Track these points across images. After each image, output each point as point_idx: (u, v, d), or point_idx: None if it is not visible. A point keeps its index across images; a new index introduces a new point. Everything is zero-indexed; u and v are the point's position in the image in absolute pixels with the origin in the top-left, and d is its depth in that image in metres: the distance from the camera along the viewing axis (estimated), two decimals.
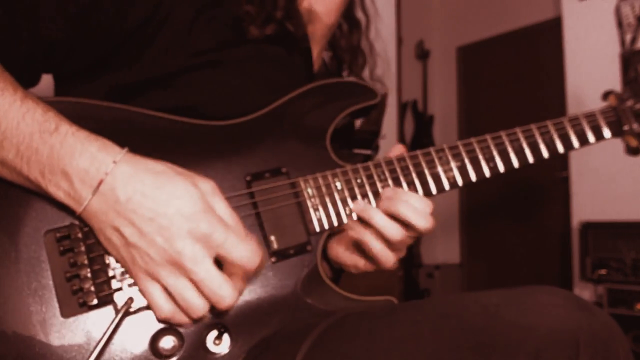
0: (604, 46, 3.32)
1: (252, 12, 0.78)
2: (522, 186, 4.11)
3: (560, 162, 3.69)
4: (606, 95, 0.94)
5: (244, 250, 0.58)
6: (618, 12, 3.27)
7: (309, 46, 0.91)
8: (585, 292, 3.22)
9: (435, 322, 0.62)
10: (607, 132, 0.88)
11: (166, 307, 0.60)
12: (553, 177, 3.90)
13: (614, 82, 3.23)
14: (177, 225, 0.57)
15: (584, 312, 0.59)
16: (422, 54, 4.83)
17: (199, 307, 0.59)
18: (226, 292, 0.59)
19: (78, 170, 0.58)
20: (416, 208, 0.73)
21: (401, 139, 4.25)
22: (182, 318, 0.61)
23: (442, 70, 5.00)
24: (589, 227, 3.19)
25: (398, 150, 0.82)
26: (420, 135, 4.74)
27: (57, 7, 0.67)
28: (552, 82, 3.92)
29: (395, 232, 0.72)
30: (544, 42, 4.16)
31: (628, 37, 3.23)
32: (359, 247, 0.79)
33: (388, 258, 0.75)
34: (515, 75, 4.42)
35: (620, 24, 3.26)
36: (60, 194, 0.59)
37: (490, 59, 4.67)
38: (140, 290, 0.61)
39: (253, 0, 0.79)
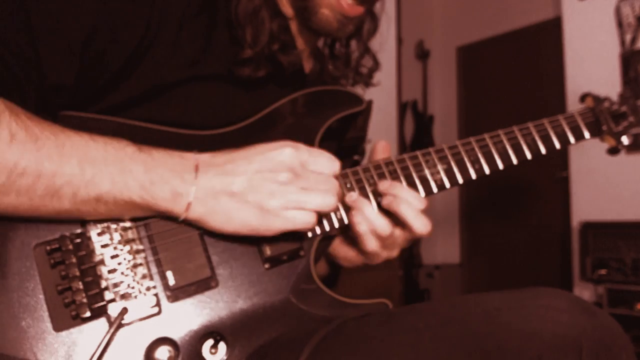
0: (604, 46, 3.31)
1: (248, 56, 0.77)
2: (522, 186, 4.11)
3: (560, 162, 3.69)
4: (583, 97, 0.96)
5: (324, 155, 0.69)
6: (618, 12, 3.26)
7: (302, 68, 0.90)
8: (585, 292, 3.22)
9: (435, 328, 0.62)
10: (586, 133, 0.90)
11: (310, 218, 0.67)
12: (553, 177, 3.90)
13: (614, 82, 3.23)
14: (269, 151, 0.66)
15: (588, 317, 0.59)
16: (422, 54, 4.82)
17: (332, 202, 0.67)
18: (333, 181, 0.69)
19: (175, 168, 0.64)
20: (417, 208, 0.75)
21: (401, 139, 4.25)
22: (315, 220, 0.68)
23: (442, 70, 4.99)
24: (589, 227, 3.19)
25: (382, 148, 0.82)
26: (420, 135, 4.73)
27: (59, 55, 0.66)
28: (552, 82, 3.92)
29: (384, 227, 0.74)
30: (544, 42, 4.15)
31: (628, 37, 3.22)
32: (351, 240, 0.80)
33: (373, 246, 0.76)
34: (515, 75, 4.41)
35: (620, 24, 3.25)
36: (166, 196, 0.63)
37: (490, 59, 4.66)
38: (283, 229, 0.66)
39: (249, 42, 0.77)
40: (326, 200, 0.67)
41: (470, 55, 4.84)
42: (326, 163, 0.69)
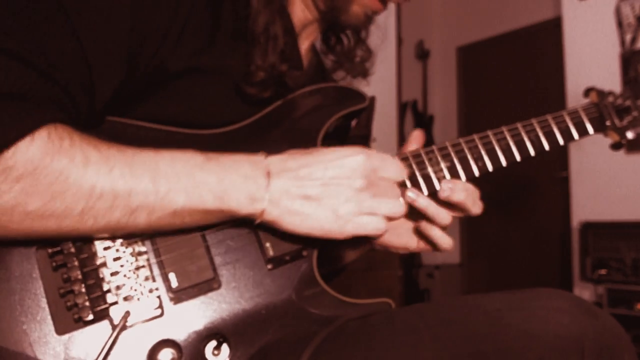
0: (604, 46, 3.32)
1: (260, 79, 0.77)
2: (522, 186, 4.12)
3: (560, 162, 3.69)
4: (587, 92, 0.95)
5: (394, 163, 0.72)
6: (618, 12, 3.26)
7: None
8: (585, 292, 3.22)
9: (436, 329, 0.62)
10: (590, 128, 0.89)
11: (382, 224, 0.68)
12: (553, 177, 3.91)
13: (614, 82, 3.23)
14: (345, 157, 0.68)
15: (590, 318, 0.59)
16: (422, 54, 4.83)
17: (402, 208, 0.70)
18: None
19: (247, 174, 0.65)
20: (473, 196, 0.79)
21: (401, 139, 4.25)
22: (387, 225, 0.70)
23: (442, 70, 5.00)
24: (589, 227, 3.19)
25: (417, 137, 0.83)
26: None
27: (112, 64, 0.65)
28: (552, 82, 3.92)
29: (445, 217, 0.78)
30: (544, 42, 4.16)
31: (628, 37, 3.23)
32: (410, 230, 0.85)
33: (445, 240, 0.80)
34: (515, 75, 4.42)
35: (620, 24, 3.26)
36: (242, 202, 0.64)
37: (490, 59, 4.66)
38: (356, 234, 0.68)
39: (259, 63, 0.77)
40: (397, 206, 0.69)
41: (470, 55, 4.84)
42: (396, 170, 0.72)
